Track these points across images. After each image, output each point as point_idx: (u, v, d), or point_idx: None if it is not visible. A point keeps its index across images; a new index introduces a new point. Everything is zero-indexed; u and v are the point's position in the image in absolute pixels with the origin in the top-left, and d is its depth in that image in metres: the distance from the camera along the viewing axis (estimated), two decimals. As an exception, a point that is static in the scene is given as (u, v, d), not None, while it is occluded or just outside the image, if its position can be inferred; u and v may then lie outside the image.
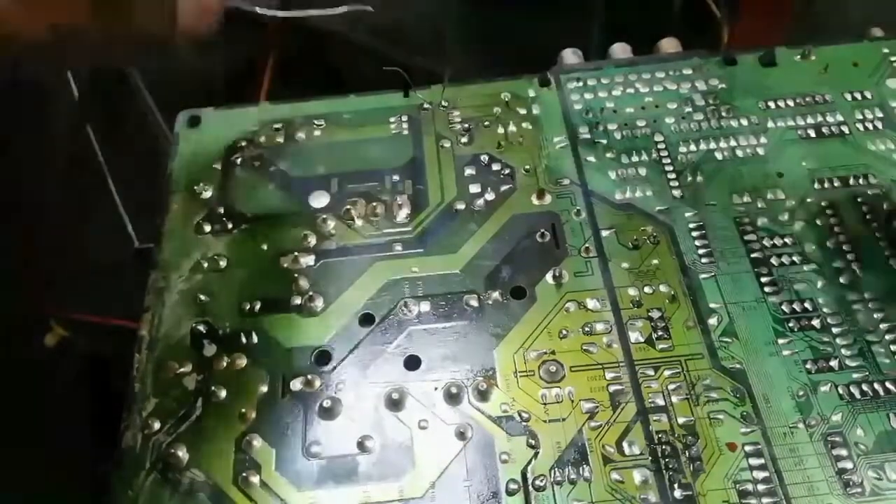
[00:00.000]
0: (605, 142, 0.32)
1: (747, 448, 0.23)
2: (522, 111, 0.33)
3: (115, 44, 0.25)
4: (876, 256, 0.27)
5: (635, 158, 0.31)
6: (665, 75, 0.34)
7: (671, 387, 0.25)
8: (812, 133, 0.31)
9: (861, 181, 0.29)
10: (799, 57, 0.34)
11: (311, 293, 0.28)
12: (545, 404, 0.24)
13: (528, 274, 0.28)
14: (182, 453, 0.24)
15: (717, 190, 0.30)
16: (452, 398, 0.25)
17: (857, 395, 0.24)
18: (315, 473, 0.24)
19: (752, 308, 0.26)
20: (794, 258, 0.27)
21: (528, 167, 0.31)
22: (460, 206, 0.30)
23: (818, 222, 0.28)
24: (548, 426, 0.24)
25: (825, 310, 0.26)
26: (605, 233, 0.29)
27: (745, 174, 0.30)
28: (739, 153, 0.31)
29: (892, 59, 0.33)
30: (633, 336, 0.26)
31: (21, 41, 0.22)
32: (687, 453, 0.23)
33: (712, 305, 0.26)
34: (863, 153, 0.30)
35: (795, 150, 0.31)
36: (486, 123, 0.33)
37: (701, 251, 0.28)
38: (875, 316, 0.26)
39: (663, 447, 0.23)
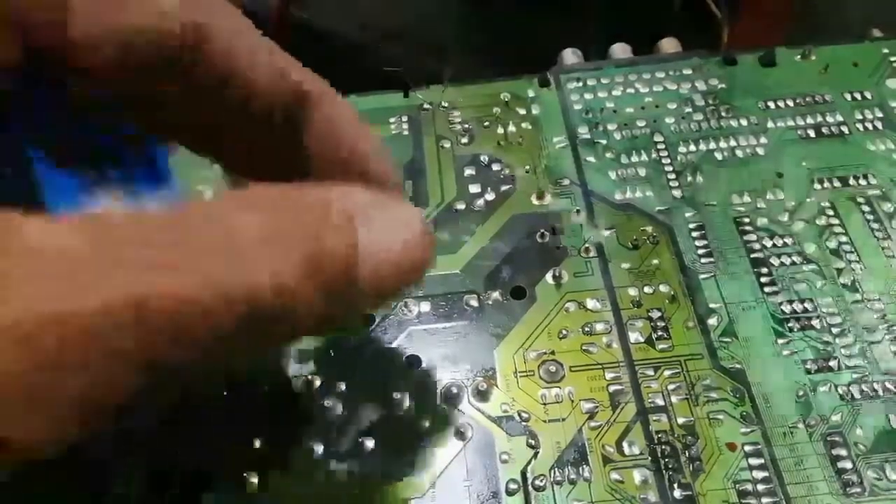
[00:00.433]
0: (604, 142, 0.32)
1: (747, 448, 0.23)
2: (522, 111, 0.33)
3: None
4: (876, 256, 0.27)
5: (635, 158, 0.31)
6: (665, 75, 0.34)
7: (671, 387, 0.25)
8: (812, 133, 0.31)
9: (861, 181, 0.29)
10: (799, 57, 0.34)
11: (311, 293, 0.28)
12: (545, 404, 0.24)
13: (528, 274, 0.28)
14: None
15: (717, 190, 0.30)
16: (452, 398, 0.25)
17: (857, 395, 0.24)
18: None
19: (751, 308, 0.26)
20: (794, 258, 0.27)
21: (528, 167, 0.31)
22: (460, 206, 0.30)
23: (818, 222, 0.28)
24: (548, 426, 0.24)
25: (825, 310, 0.26)
26: (605, 233, 0.29)
27: (744, 174, 0.30)
28: (739, 153, 0.31)
29: (892, 59, 0.33)
30: (633, 336, 0.26)
31: None
32: (687, 453, 0.23)
33: (712, 305, 0.26)
34: (863, 153, 0.30)
35: (795, 150, 0.31)
36: (486, 124, 0.33)
37: (701, 251, 0.28)
38: (875, 316, 0.26)
39: (663, 447, 0.23)
